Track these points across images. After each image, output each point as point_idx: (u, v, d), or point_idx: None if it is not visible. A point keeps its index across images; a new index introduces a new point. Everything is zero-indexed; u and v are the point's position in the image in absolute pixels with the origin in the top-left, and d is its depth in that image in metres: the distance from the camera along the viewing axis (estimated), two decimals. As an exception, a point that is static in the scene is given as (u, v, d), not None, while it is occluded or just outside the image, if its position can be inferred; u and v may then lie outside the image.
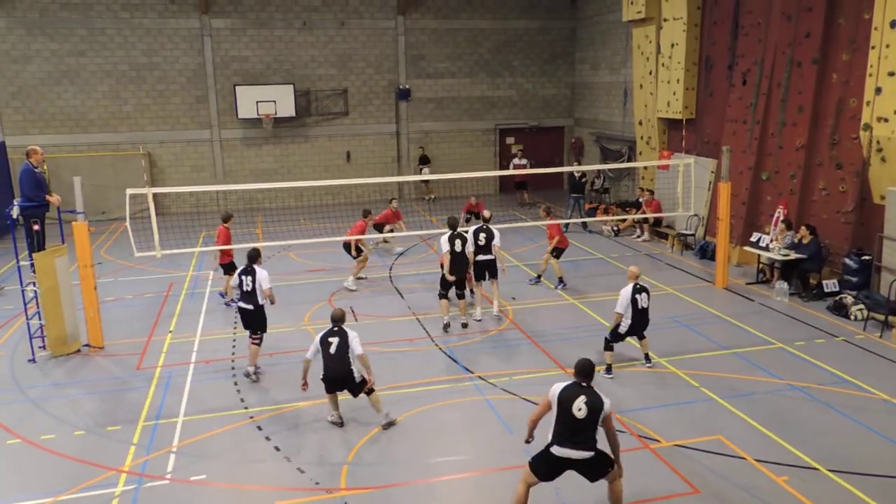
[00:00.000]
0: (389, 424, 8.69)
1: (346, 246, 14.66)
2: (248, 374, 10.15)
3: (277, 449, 8.25)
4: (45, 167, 11.27)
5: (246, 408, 9.31)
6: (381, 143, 24.93)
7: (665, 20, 18.38)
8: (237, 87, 22.72)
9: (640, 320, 10.02)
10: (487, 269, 12.33)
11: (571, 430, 6.36)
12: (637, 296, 9.92)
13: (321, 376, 8.51)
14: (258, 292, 9.93)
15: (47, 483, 7.65)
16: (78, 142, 22.29)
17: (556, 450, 6.43)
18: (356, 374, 8.49)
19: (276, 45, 23.44)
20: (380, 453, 8.20)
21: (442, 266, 12.18)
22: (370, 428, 8.72)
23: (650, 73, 19.24)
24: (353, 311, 13.01)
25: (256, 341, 10.16)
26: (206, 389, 9.93)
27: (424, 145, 25.00)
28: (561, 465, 6.50)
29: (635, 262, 16.26)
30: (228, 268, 13.37)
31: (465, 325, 12.12)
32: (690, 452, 8.02)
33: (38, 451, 8.33)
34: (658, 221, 18.40)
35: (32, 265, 11.02)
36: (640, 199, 19.08)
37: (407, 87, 24.64)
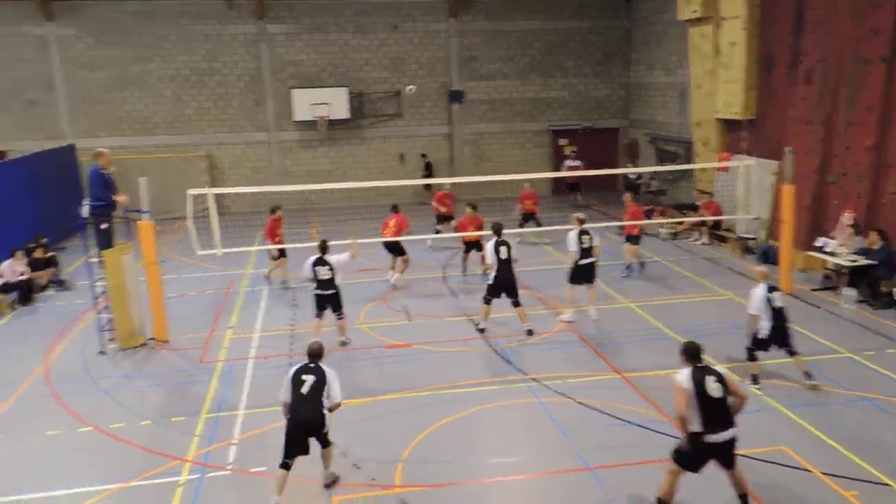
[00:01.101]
0: (333, 483, 7.56)
1: (390, 246, 14.71)
2: (344, 343, 11.38)
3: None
4: (113, 168, 11.68)
5: (304, 403, 9.49)
6: (434, 145, 25.07)
7: (723, 19, 17.97)
8: (293, 91, 23.18)
9: (780, 323, 9.41)
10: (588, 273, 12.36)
11: (713, 411, 6.45)
12: (770, 294, 9.38)
13: (286, 421, 7.18)
14: (336, 275, 10.99)
15: (117, 470, 7.97)
16: (143, 144, 23.10)
17: (709, 438, 6.47)
18: (327, 424, 7.20)
19: (330, 48, 23.83)
20: (435, 452, 8.25)
21: (486, 271, 12.24)
22: (426, 425, 8.78)
23: (708, 73, 18.84)
24: (407, 310, 13.13)
25: (342, 318, 11.39)
26: (265, 384, 10.13)
27: (427, 152, 24.67)
28: (711, 453, 6.60)
29: (693, 265, 15.95)
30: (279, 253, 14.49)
31: (530, 333, 11.72)
32: (752, 463, 7.80)
33: (108, 439, 8.68)
34: (717, 225, 18.00)
35: (101, 262, 11.48)
36: (698, 202, 18.69)
37: (459, 89, 24.72)
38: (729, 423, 6.54)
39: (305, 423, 7.09)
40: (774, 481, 7.45)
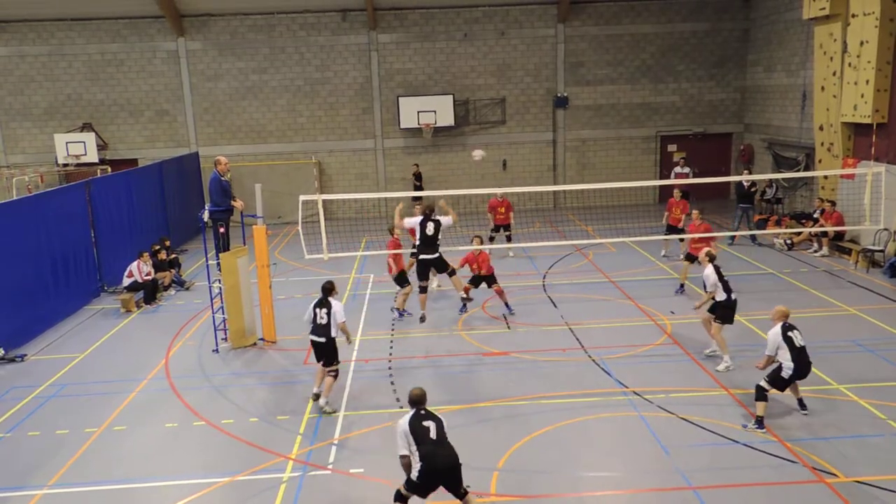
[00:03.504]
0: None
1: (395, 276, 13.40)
2: (320, 402, 9.61)
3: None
4: (230, 175, 12.38)
5: (401, 407, 9.60)
6: (537, 152, 24.91)
7: (853, 16, 16.79)
8: (400, 98, 23.71)
9: (803, 360, 8.71)
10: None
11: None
12: (790, 333, 8.74)
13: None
14: (332, 325, 9.48)
15: (226, 463, 8.41)
16: (258, 151, 24.34)
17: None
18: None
19: (437, 56, 24.21)
20: (531, 461, 8.17)
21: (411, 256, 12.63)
22: (523, 435, 8.72)
23: (834, 74, 17.65)
24: (505, 318, 13.09)
25: (332, 373, 9.63)
26: (365, 387, 10.42)
27: (419, 164, 24.03)
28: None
29: (811, 279, 14.99)
30: (400, 279, 13.22)
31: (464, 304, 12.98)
32: (874, 491, 7.25)
33: (219, 433, 9.18)
34: (839, 235, 16.82)
35: (219, 264, 12.18)
36: (819, 211, 17.54)
37: (565, 94, 24.43)
38: None
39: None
40: (900, 517, 6.87)
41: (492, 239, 17.50)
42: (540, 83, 24.51)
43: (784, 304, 9.20)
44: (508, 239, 17.36)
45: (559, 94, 24.40)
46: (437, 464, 6.54)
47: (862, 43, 16.50)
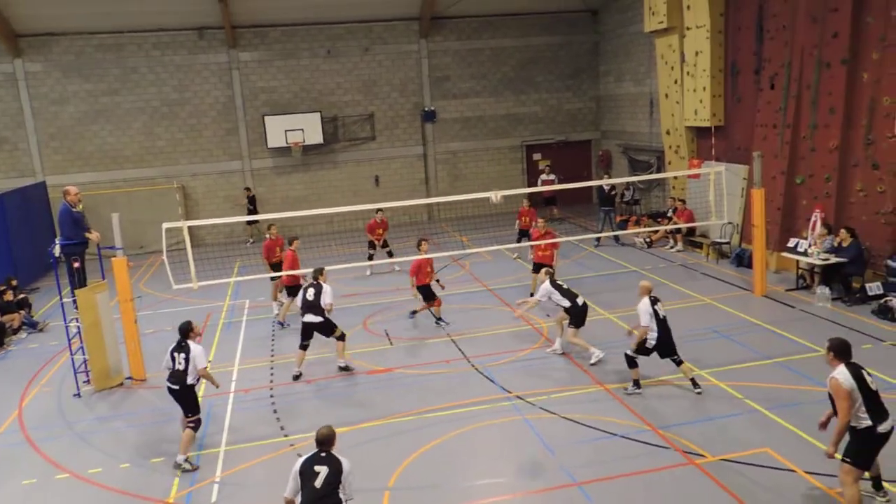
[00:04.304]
0: None
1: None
2: (177, 460, 8.67)
3: (319, 476, 8.25)
4: (82, 206, 11.53)
5: (286, 435, 9.36)
6: (408, 166, 25.12)
7: (688, 28, 18.28)
8: (266, 117, 23.14)
9: (666, 332, 9.76)
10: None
11: (875, 401, 6.47)
12: (655, 307, 9.73)
13: None
14: (190, 371, 8.68)
15: (96, 516, 7.77)
16: (115, 178, 22.88)
17: (882, 427, 6.46)
18: None
19: (302, 74, 23.86)
20: (422, 476, 8.17)
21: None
22: (412, 450, 8.70)
23: (675, 83, 19.11)
24: (387, 334, 13.06)
25: (191, 424, 8.73)
26: (247, 418, 10.01)
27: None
28: (884, 442, 6.55)
29: (670, 273, 16.07)
30: (292, 290, 13.72)
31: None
32: (738, 467, 7.84)
33: (86, 485, 8.47)
34: (691, 231, 18.16)
35: (75, 301, 11.30)
36: (672, 209, 18.87)
37: (432, 108, 24.83)
38: (887, 411, 6.56)
39: None
40: (760, 484, 7.46)
41: (370, 257, 17.50)
42: (407, 98, 24.77)
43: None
44: (390, 255, 17.37)
45: (426, 109, 24.77)
46: None
47: (697, 53, 17.98)
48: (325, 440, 6.19)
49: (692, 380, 9.83)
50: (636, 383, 9.88)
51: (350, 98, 24.30)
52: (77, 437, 9.75)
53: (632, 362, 9.88)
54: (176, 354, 8.74)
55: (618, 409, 9.49)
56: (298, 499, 6.01)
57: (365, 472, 8.19)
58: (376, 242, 17.58)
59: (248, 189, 23.29)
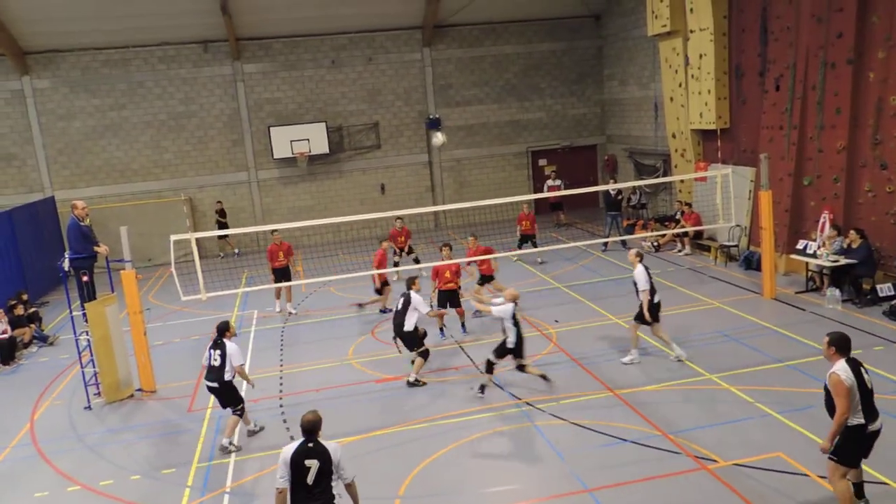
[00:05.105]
0: None
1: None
2: (224, 447, 9.23)
3: (329, 485, 8.25)
4: (89, 220, 11.62)
5: (296, 445, 9.36)
6: (414, 174, 25.17)
7: (691, 31, 18.27)
8: (271, 129, 23.24)
9: (520, 336, 10.30)
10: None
11: (868, 399, 6.46)
12: (516, 315, 10.28)
13: None
14: (227, 368, 9.13)
15: (107, 529, 7.79)
16: (123, 192, 23.03)
17: (873, 426, 6.44)
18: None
19: (306, 84, 23.98)
20: (432, 484, 8.14)
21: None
22: (422, 458, 8.68)
23: (680, 86, 19.09)
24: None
25: (237, 412, 9.35)
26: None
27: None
28: (872, 441, 6.53)
29: (678, 277, 16.01)
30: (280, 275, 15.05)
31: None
32: (750, 471, 7.78)
33: (97, 497, 8.50)
34: (699, 234, 18.10)
35: (84, 315, 11.36)
36: (679, 213, 18.82)
37: (436, 116, 24.89)
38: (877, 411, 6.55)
39: None
40: (773, 488, 7.40)
41: (396, 264, 17.35)
42: (411, 106, 24.85)
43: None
44: (416, 261, 17.35)
45: (431, 116, 24.83)
46: None
47: (701, 56, 17.97)
48: (312, 427, 6.01)
49: (542, 375, 10.38)
50: (482, 388, 10.35)
51: (355, 107, 24.39)
52: (88, 450, 9.78)
53: (490, 367, 10.35)
54: (212, 352, 9.23)
55: (628, 414, 9.45)
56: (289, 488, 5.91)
57: (375, 480, 8.19)
58: (401, 250, 17.52)
59: (219, 203, 23.05)
